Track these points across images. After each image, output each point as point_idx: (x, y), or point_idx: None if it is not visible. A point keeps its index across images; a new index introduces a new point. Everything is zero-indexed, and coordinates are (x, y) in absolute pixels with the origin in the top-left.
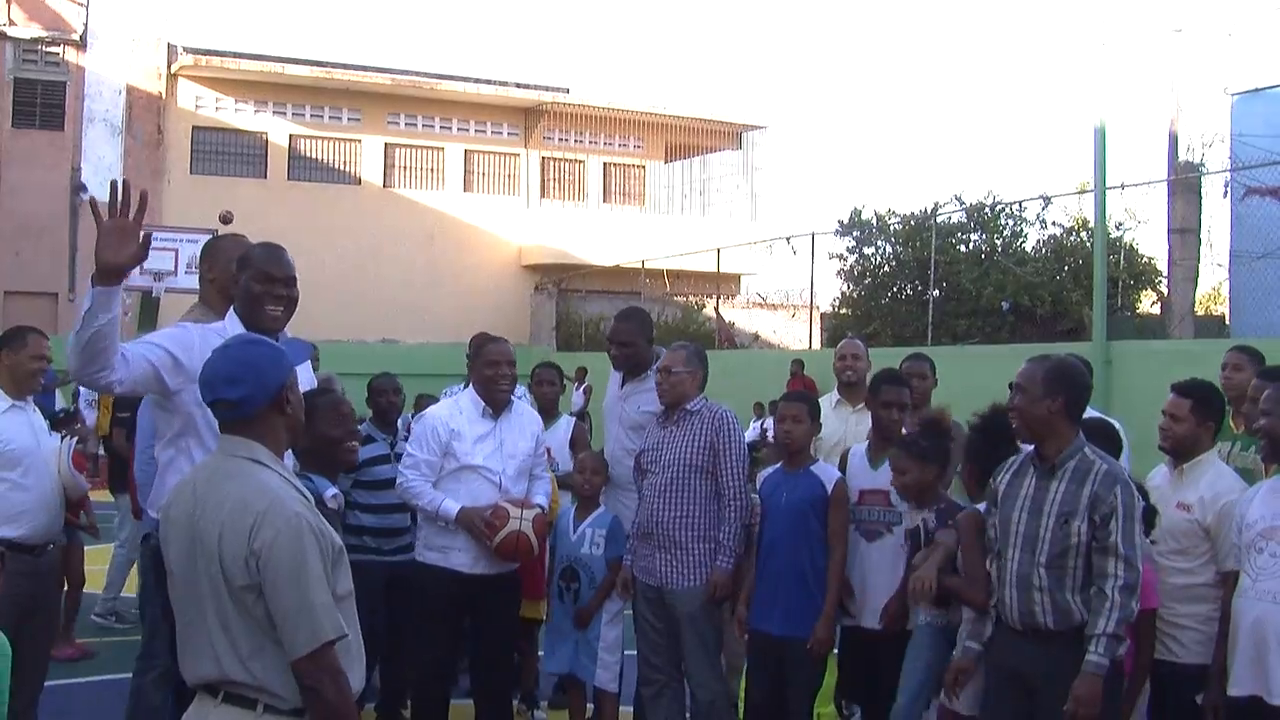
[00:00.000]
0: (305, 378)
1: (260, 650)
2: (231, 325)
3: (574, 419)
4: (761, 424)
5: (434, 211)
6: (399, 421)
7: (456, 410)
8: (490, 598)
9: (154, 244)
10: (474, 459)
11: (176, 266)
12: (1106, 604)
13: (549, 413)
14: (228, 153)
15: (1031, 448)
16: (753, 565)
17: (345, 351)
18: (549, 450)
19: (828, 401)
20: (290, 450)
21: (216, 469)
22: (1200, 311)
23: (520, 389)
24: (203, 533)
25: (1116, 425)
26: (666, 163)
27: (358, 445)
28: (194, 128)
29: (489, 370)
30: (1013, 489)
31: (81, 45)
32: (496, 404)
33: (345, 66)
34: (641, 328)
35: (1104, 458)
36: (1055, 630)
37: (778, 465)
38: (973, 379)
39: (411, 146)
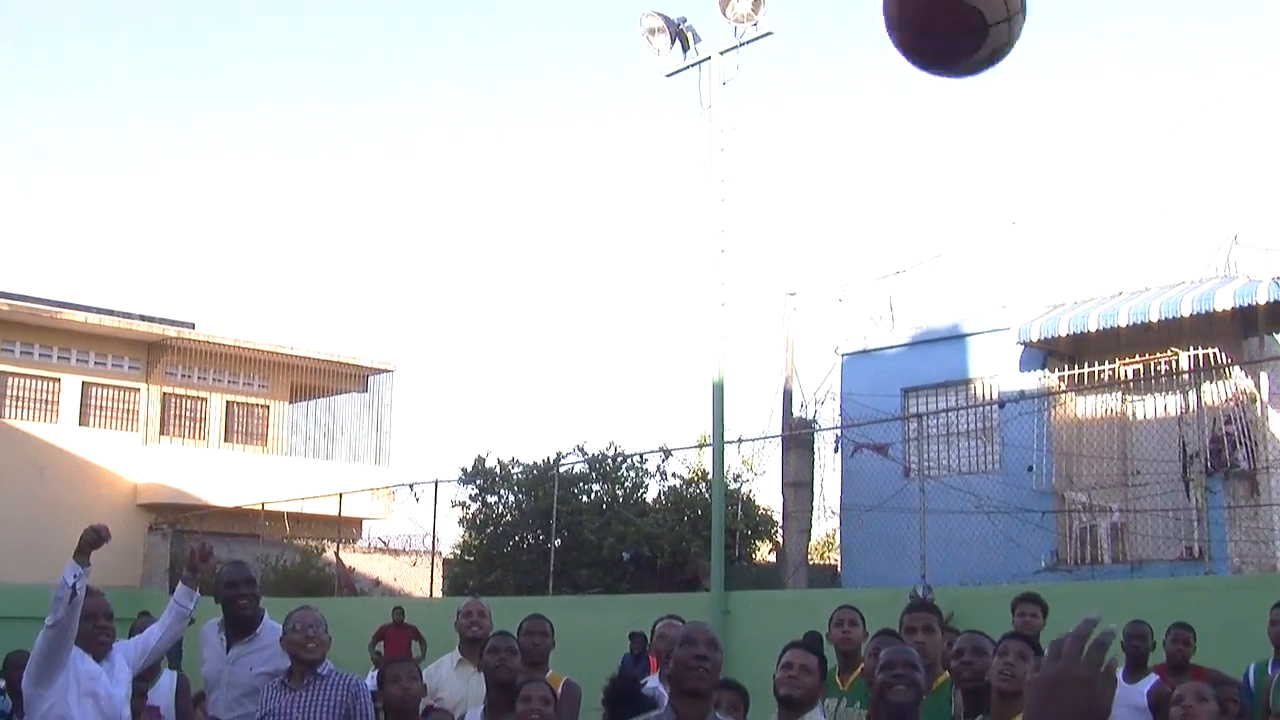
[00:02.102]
0: None
1: None
2: None
3: (175, 673)
4: (378, 676)
5: (47, 444)
6: None
7: None
8: None
9: None
10: (94, 685)
11: None
12: None
13: (152, 668)
14: None
15: (664, 711)
16: None
17: None
18: (158, 710)
19: (450, 660)
20: None
21: None
22: (816, 559)
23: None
24: None
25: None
26: (291, 403)
27: None
28: None
29: (86, 624)
30: None
31: None
32: (97, 654)
33: None
34: (256, 585)
35: None
36: None
37: None
38: (593, 628)
39: (26, 375)
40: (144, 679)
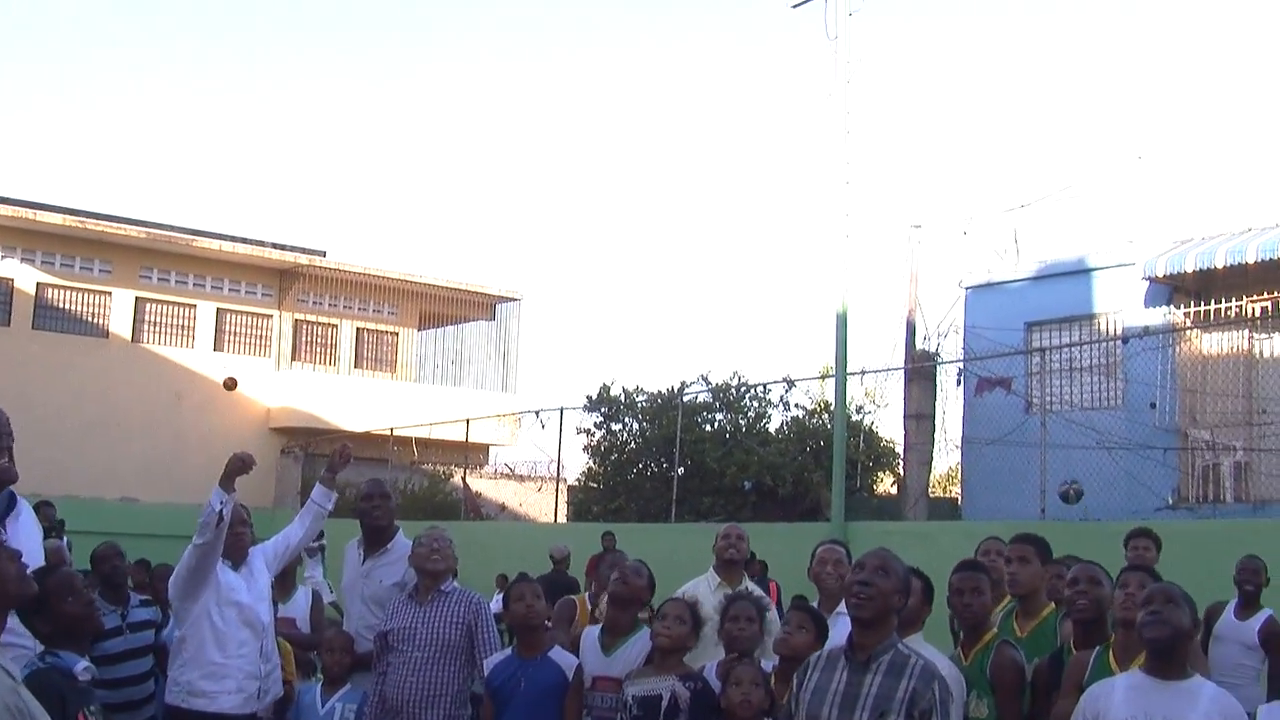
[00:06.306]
0: (32, 547)
1: None
2: None
3: (310, 589)
4: (504, 596)
5: (183, 369)
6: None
7: None
8: None
9: None
10: (236, 595)
11: None
12: None
13: (287, 583)
14: None
15: (840, 642)
16: None
17: (82, 508)
18: (294, 621)
19: (708, 581)
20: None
21: None
22: (936, 493)
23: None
24: None
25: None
26: (420, 330)
27: (98, 612)
28: None
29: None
30: (822, 683)
31: None
32: (235, 560)
33: (98, 216)
34: (391, 500)
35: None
36: None
37: (508, 652)
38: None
39: (163, 302)
40: (281, 592)
